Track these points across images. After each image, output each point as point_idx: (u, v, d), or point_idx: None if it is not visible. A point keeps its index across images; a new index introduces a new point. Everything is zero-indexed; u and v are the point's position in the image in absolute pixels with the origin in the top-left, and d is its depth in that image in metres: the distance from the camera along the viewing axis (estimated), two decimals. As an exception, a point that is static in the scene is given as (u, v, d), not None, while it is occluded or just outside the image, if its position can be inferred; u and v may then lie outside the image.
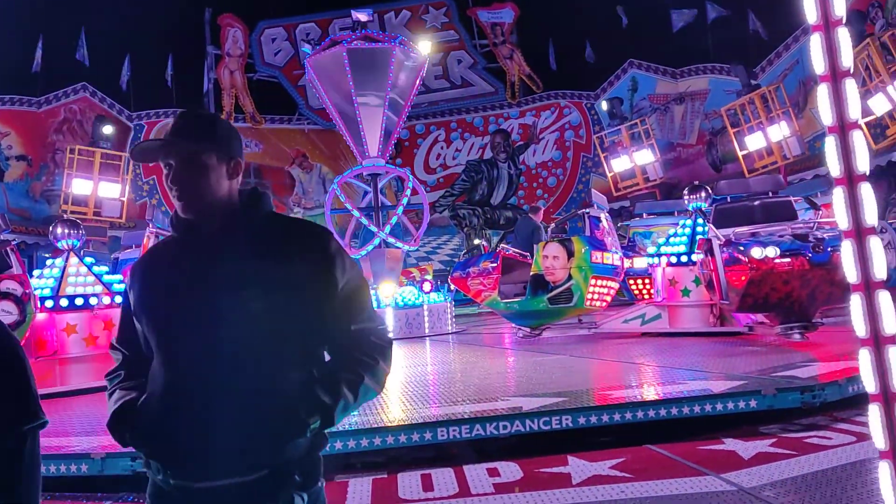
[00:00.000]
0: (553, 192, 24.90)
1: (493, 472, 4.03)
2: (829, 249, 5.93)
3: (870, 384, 1.92)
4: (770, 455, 4.00)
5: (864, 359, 1.92)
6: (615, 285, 8.66)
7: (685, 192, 8.81)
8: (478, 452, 4.41)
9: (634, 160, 20.55)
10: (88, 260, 7.88)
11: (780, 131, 16.24)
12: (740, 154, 17.48)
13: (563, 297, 8.24)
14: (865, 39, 13.52)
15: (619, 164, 20.97)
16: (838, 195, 1.93)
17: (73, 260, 7.66)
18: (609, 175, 21.14)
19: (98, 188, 17.17)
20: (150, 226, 7.33)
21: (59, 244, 7.68)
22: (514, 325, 9.27)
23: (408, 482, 3.91)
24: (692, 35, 21.66)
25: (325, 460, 1.62)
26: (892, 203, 12.74)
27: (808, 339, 6.49)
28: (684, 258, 8.37)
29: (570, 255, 8.21)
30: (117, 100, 21.48)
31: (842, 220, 1.94)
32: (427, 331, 10.93)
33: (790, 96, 17.17)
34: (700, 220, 8.45)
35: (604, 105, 22.90)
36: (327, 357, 1.65)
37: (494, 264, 8.93)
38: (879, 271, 1.93)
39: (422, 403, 4.94)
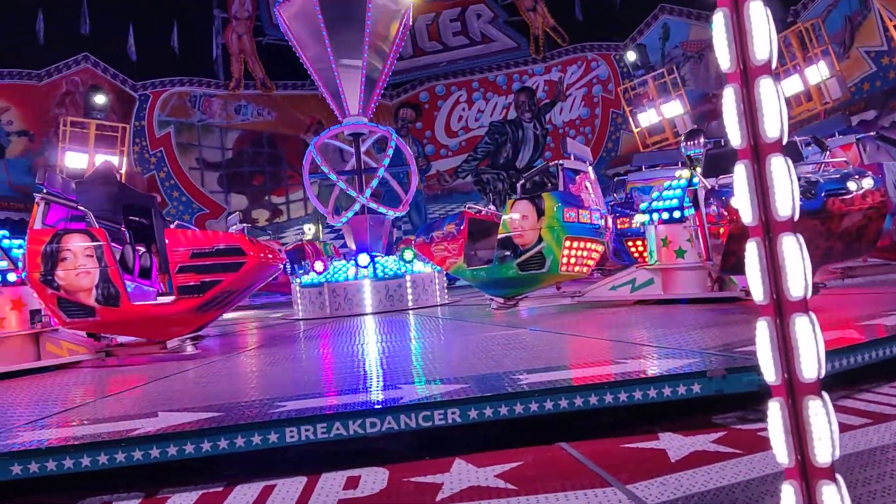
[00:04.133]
0: (585, 152, 23.42)
1: (351, 482, 3.04)
2: (822, 195, 4.63)
3: (769, 371, 1.46)
4: (706, 455, 2.98)
5: (762, 333, 1.46)
6: (598, 248, 7.48)
7: (682, 137, 7.53)
8: (338, 456, 3.42)
9: (662, 113, 18.99)
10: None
11: (818, 72, 14.54)
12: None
13: (533, 262, 7.11)
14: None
15: (646, 119, 19.43)
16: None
17: (-22, 233, 6.90)
18: (635, 131, 19.62)
19: (94, 161, 16.63)
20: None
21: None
22: (487, 295, 8.20)
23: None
24: (727, -28, 19.76)
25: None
26: None
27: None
28: (677, 214, 7.14)
29: (541, 213, 7.07)
30: (121, 70, 20.88)
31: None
32: (411, 303, 9.95)
33: (834, 34, 15.40)
34: (698, 170, 7.18)
35: (630, 55, 21.18)
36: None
37: (460, 227, 7.84)
38: (784, 207, 1.44)
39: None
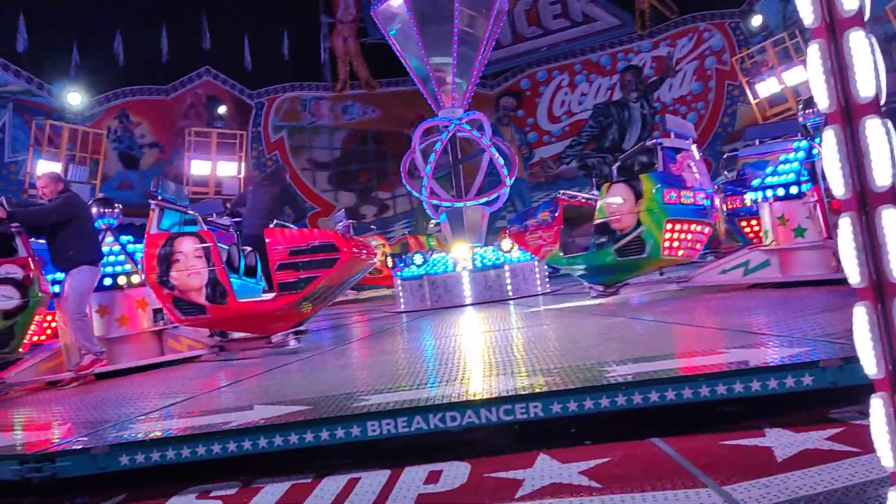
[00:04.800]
0: (694, 128, 22.42)
1: (433, 477, 3.05)
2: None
3: (870, 362, 1.32)
4: (818, 454, 2.70)
5: (860, 321, 1.31)
6: (705, 229, 7.10)
7: (799, 105, 7.03)
8: (418, 450, 3.43)
9: (784, 81, 17.78)
10: (125, 238, 7.66)
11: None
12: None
13: (632, 247, 6.84)
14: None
15: (766, 88, 18.26)
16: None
17: (108, 239, 7.45)
18: (754, 102, 18.50)
19: (217, 168, 17.57)
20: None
21: (96, 224, 7.49)
22: (586, 283, 7.99)
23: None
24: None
25: None
26: None
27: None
28: (795, 189, 6.68)
29: (639, 196, 6.79)
30: (238, 80, 21.97)
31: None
32: (510, 293, 9.88)
33: None
34: (817, 140, 6.67)
35: (749, 21, 19.86)
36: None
37: (554, 214, 7.67)
38: (882, 177, 1.27)
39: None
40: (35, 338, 7.33)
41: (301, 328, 6.74)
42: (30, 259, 6.10)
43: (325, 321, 10.29)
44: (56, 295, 6.38)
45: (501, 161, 11.24)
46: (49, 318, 7.27)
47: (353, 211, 21.44)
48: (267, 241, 6.15)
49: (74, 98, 17.07)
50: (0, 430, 4.45)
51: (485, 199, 11.08)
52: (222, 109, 19.33)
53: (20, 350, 6.19)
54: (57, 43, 18.57)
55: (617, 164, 7.11)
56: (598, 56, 23.34)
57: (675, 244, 6.82)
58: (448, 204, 11.03)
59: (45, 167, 13.14)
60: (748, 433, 3.04)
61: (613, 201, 6.95)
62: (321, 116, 22.97)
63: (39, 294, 6.10)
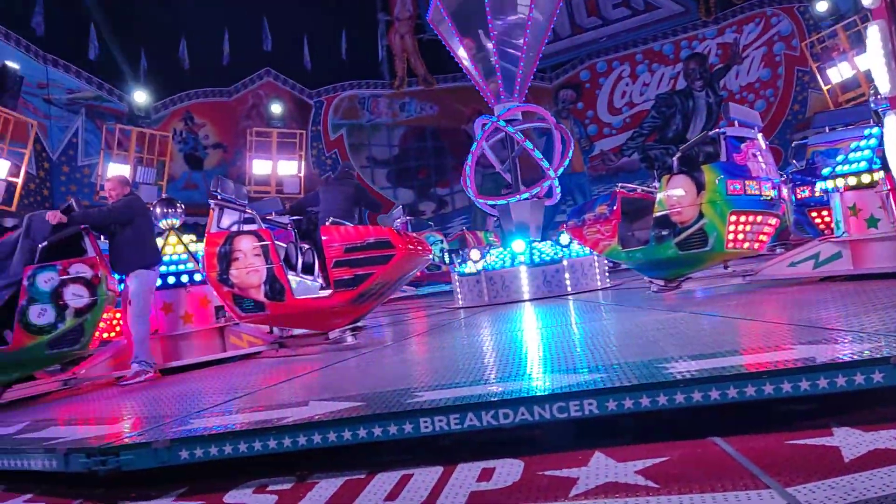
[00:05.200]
0: (763, 117, 21.67)
1: (485, 474, 3.02)
2: None
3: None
4: (889, 455, 2.57)
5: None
6: (772, 221, 6.82)
7: (871, 90, 6.68)
8: (472, 447, 3.39)
9: (857, 66, 17.03)
10: (187, 237, 7.87)
11: None
12: None
13: (694, 240, 6.62)
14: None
15: (837, 74, 17.52)
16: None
17: (172, 239, 7.66)
18: (825, 88, 17.76)
19: (277, 167, 17.87)
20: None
21: (159, 224, 7.71)
22: (646, 278, 7.79)
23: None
24: None
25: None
26: None
27: None
28: (867, 178, 6.36)
29: (701, 187, 6.57)
30: (298, 80, 22.35)
31: None
32: (569, 288, 9.74)
33: None
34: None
35: (817, 5, 19.14)
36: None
37: (612, 207, 7.50)
38: None
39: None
40: (104, 335, 7.59)
41: (358, 324, 6.79)
42: (98, 259, 6.30)
43: (383, 317, 10.36)
44: (122, 294, 6.60)
45: (539, 154, 11.11)
46: (117, 315, 7.52)
47: (412, 207, 21.57)
48: (323, 238, 6.21)
49: (142, 102, 17.67)
50: (70, 423, 4.62)
51: (526, 195, 10.94)
52: (277, 109, 19.64)
53: (90, 347, 6.39)
54: (126, 50, 19.26)
55: (678, 156, 6.90)
56: (661, 44, 22.80)
57: (740, 236, 6.58)
58: (493, 203, 10.94)
59: (115, 170, 13.65)
60: (814, 432, 2.90)
61: (674, 193, 6.75)
62: (379, 114, 23.18)
63: (107, 293, 6.29)
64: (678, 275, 7.34)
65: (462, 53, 11.91)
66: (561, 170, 11.08)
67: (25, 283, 5.85)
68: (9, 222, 14.40)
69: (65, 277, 5.98)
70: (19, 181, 12.45)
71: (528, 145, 11.17)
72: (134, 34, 19.10)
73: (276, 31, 22.02)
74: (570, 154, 11.43)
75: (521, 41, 11.18)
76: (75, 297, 6.05)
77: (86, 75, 18.40)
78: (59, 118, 17.65)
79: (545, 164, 11.12)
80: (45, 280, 5.93)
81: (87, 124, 18.18)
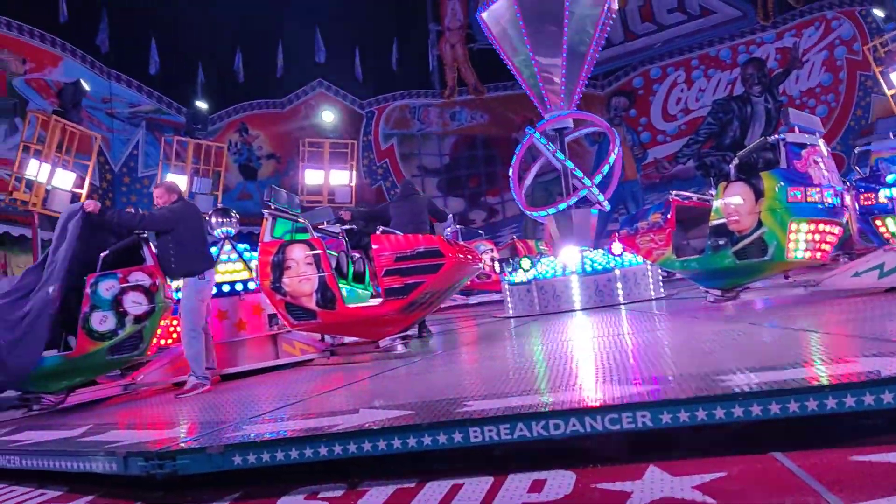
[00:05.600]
0: (824, 122, 21.03)
1: (536, 485, 2.98)
2: None
3: None
4: None
5: None
6: (835, 229, 6.60)
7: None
8: (522, 458, 3.35)
9: (923, 69, 16.43)
10: (241, 247, 8.00)
11: None
12: None
13: (753, 249, 6.44)
14: None
15: (903, 77, 16.92)
16: None
17: (227, 247, 7.81)
18: (889, 93, 17.16)
19: (329, 176, 18.10)
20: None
21: (215, 233, 7.86)
22: (702, 288, 7.61)
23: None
24: None
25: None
26: None
27: None
28: (936, 184, 6.12)
29: (760, 195, 6.39)
30: (350, 91, 22.67)
31: None
32: (621, 298, 9.59)
33: None
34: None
35: (878, 9, 18.52)
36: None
37: (667, 215, 7.35)
38: None
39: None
40: (161, 341, 7.76)
41: (408, 333, 6.80)
42: (156, 267, 6.45)
43: (434, 326, 10.35)
44: (178, 301, 6.73)
45: (571, 164, 10.99)
46: (174, 322, 7.68)
47: (463, 216, 21.58)
48: (374, 247, 6.25)
49: (199, 114, 18.17)
50: (130, 427, 4.73)
51: (563, 205, 10.86)
52: (328, 116, 19.93)
53: (148, 353, 6.55)
54: (184, 65, 19.86)
55: (735, 163, 6.72)
56: (717, 50, 22.36)
57: (801, 245, 6.37)
58: (542, 213, 10.85)
59: (174, 180, 14.00)
60: (880, 448, 2.77)
61: (731, 201, 6.59)
62: (430, 123, 23.33)
63: (164, 300, 6.44)
64: (736, 285, 7.16)
65: (513, 62, 11.90)
66: (603, 175, 10.93)
67: (88, 290, 6.03)
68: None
69: (125, 285, 6.14)
70: (83, 192, 12.89)
71: (560, 156, 11.10)
72: (192, 49, 19.68)
73: (328, 42, 22.40)
74: (612, 160, 11.22)
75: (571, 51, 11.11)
76: (135, 304, 6.21)
77: (146, 89, 19.04)
78: (121, 131, 18.30)
79: (578, 173, 11.04)
80: (107, 288, 6.11)
81: (147, 136, 18.80)
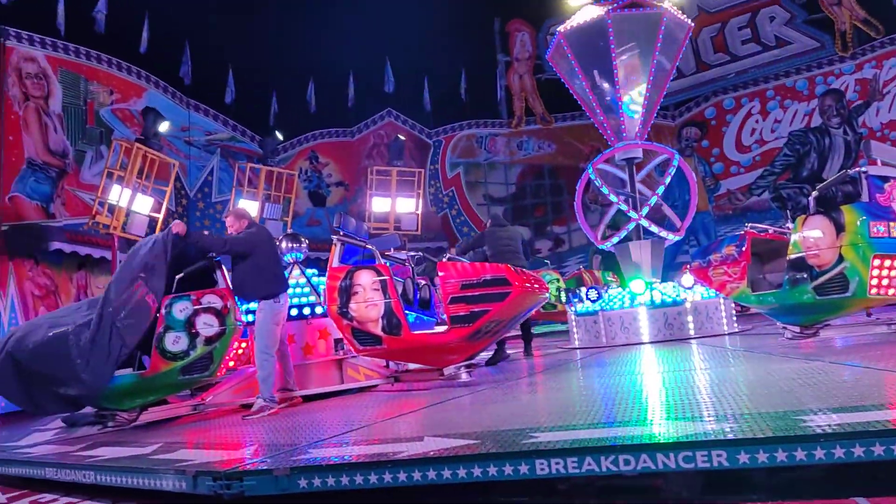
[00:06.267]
0: (907, 155, 20.23)
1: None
2: None
3: None
4: None
5: None
6: (923, 265, 6.26)
7: None
8: (589, 492, 3.27)
9: None
10: (310, 271, 8.14)
11: None
12: None
13: (833, 284, 6.17)
14: None
15: None
16: None
17: (296, 272, 7.96)
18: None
19: (396, 204, 18.30)
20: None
21: (285, 258, 8.03)
22: (779, 324, 7.32)
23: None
24: None
25: None
26: None
27: None
28: None
29: (841, 229, 6.13)
30: (418, 120, 23.01)
31: None
32: (692, 332, 9.32)
33: None
34: None
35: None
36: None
37: (741, 248, 7.12)
38: None
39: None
40: (230, 363, 7.90)
41: (473, 361, 6.76)
42: (228, 290, 6.60)
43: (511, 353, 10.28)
44: (249, 324, 6.87)
45: (614, 199, 10.87)
46: (244, 345, 7.83)
47: (528, 245, 21.49)
48: (439, 274, 6.25)
49: (272, 143, 18.77)
50: (199, 447, 4.82)
51: (616, 239, 10.75)
52: (400, 148, 20.24)
53: (218, 374, 6.67)
54: (259, 95, 20.57)
55: (815, 195, 6.49)
56: (794, 80, 21.77)
57: (885, 282, 6.07)
58: (662, 233, 10.67)
59: (245, 206, 14.40)
60: None
61: (811, 235, 6.35)
62: (497, 152, 23.42)
63: (235, 323, 6.57)
64: (815, 321, 6.86)
65: (582, 92, 11.88)
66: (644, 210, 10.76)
67: (163, 311, 6.22)
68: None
69: (198, 307, 6.31)
70: (160, 217, 13.39)
71: (604, 190, 11.02)
72: (267, 80, 20.39)
73: (398, 73, 22.83)
74: (668, 181, 11.01)
75: (644, 83, 11.04)
76: (206, 326, 6.36)
77: (222, 118, 19.76)
78: (197, 158, 19.00)
79: (622, 207, 10.91)
80: (181, 309, 6.28)
81: (222, 163, 19.46)
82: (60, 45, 15.00)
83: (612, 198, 11.01)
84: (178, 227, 6.38)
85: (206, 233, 6.55)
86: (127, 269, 6.29)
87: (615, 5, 11.28)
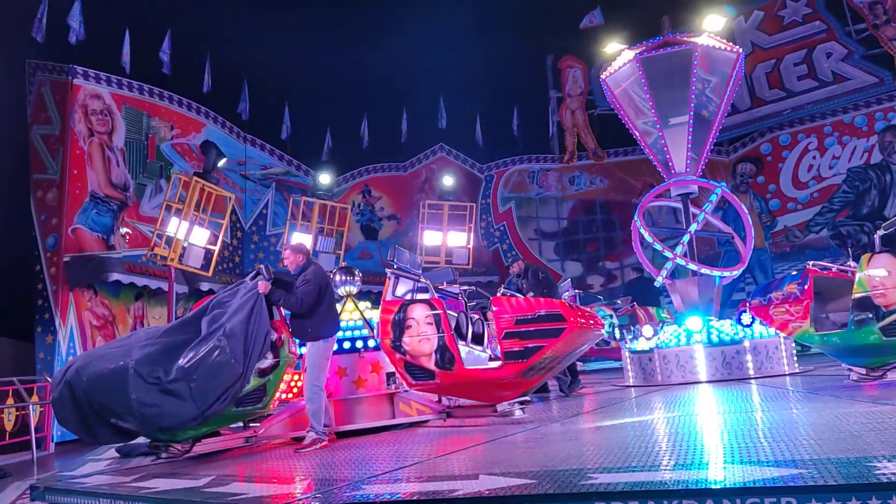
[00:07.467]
0: (975, 192, 19.53)
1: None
2: None
3: None
4: None
5: None
6: None
7: None
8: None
9: None
10: (363, 304, 8.19)
11: None
12: None
13: (903, 325, 5.94)
14: None
15: None
16: None
17: (349, 305, 8.02)
18: None
19: (447, 238, 18.36)
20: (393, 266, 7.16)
21: (338, 291, 8.10)
22: (844, 365, 7.05)
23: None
24: None
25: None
26: None
27: None
28: None
29: (908, 268, 5.92)
30: (470, 155, 23.18)
31: None
32: (751, 372, 9.03)
33: None
34: None
35: None
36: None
37: (803, 286, 6.91)
38: None
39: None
40: (283, 395, 7.95)
41: (526, 398, 6.67)
42: (282, 322, 6.67)
43: (552, 392, 10.14)
44: (302, 357, 6.91)
45: (650, 240, 10.74)
46: (296, 377, 7.88)
47: (580, 280, 21.23)
48: (494, 309, 6.22)
49: (325, 178, 19.08)
50: (249, 480, 4.85)
51: (660, 277, 10.57)
52: (449, 182, 20.30)
53: (270, 406, 6.71)
54: (313, 130, 21.02)
55: (880, 233, 6.29)
56: (853, 116, 21.24)
57: (958, 323, 5.82)
58: (707, 271, 10.48)
59: (299, 239, 14.63)
60: None
61: (877, 273, 6.14)
62: (548, 187, 23.37)
63: (289, 355, 6.62)
64: (882, 363, 6.59)
65: (636, 126, 11.83)
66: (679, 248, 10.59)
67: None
68: (204, 286, 15.99)
69: (253, 339, 6.35)
70: (216, 249, 13.69)
71: (642, 231, 10.90)
72: (321, 115, 20.84)
73: (450, 108, 23.09)
74: (708, 207, 10.77)
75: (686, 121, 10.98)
76: (262, 358, 6.41)
77: (278, 153, 20.24)
78: (253, 191, 19.45)
79: (657, 247, 10.74)
80: (237, 341, 6.34)
81: (276, 196, 19.88)
82: (125, 83, 15.62)
83: (657, 246, 10.85)
84: (263, 287, 6.35)
85: (283, 292, 6.47)
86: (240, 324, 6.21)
87: (644, 48, 11.27)
